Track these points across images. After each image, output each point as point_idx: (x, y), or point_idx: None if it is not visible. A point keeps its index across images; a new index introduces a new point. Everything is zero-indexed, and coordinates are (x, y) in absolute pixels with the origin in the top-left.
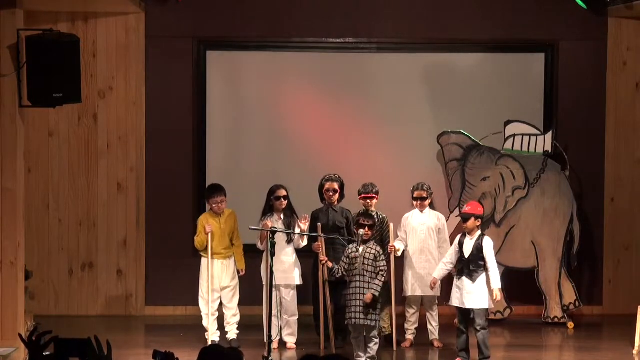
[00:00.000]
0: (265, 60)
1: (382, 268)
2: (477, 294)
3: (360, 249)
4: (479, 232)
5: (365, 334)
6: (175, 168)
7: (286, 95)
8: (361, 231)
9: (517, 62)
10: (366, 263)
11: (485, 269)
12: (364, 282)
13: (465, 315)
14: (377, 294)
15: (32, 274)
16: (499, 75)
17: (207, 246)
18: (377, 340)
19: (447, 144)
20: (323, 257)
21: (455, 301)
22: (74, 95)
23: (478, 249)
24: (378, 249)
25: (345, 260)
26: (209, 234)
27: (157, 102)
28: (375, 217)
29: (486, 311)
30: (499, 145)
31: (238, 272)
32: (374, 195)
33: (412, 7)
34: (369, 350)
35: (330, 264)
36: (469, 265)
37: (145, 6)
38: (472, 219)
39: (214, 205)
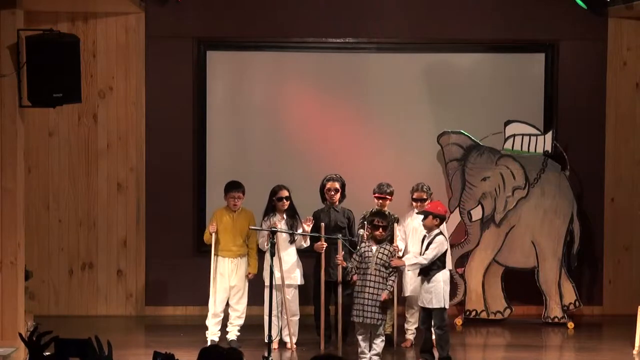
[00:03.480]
0: (266, 60)
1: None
2: (432, 293)
3: (374, 248)
4: (436, 231)
5: (372, 331)
6: (175, 168)
7: (286, 95)
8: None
9: (517, 62)
10: (379, 263)
11: (440, 268)
12: (375, 281)
13: (426, 314)
14: (392, 292)
15: (32, 274)
16: (499, 75)
17: (213, 244)
18: (383, 338)
19: (447, 144)
20: (340, 258)
21: (419, 300)
22: (74, 95)
23: (428, 246)
24: (391, 249)
25: (356, 258)
26: (213, 235)
27: (157, 102)
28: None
29: (443, 310)
30: (499, 145)
31: (247, 275)
32: (387, 197)
33: (412, 7)
34: (374, 347)
35: (345, 264)
36: None
37: (145, 6)
38: (430, 217)
39: (230, 200)
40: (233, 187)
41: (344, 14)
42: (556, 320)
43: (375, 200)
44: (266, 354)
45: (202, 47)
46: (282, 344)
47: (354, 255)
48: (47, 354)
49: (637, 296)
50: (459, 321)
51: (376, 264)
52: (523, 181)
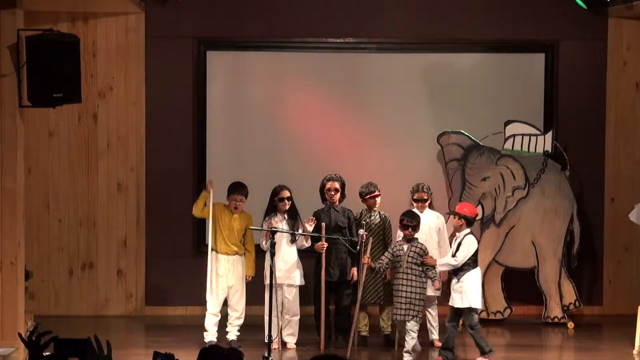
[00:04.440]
0: (265, 60)
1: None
2: (461, 293)
3: (405, 247)
4: (465, 231)
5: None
6: (175, 168)
7: (286, 95)
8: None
9: (517, 62)
10: (410, 261)
11: (470, 267)
12: (408, 279)
13: (453, 313)
14: (439, 282)
15: (32, 274)
16: (499, 75)
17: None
18: (413, 335)
19: (447, 144)
20: (367, 258)
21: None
22: (74, 95)
23: (459, 247)
24: (423, 247)
25: (388, 257)
26: (210, 191)
27: (157, 102)
28: (378, 216)
29: (472, 310)
30: (499, 145)
31: (246, 277)
32: (379, 193)
33: (412, 7)
34: (405, 344)
35: (372, 265)
36: None
37: (145, 6)
38: (456, 217)
39: (231, 203)
40: (236, 190)
41: (344, 14)
42: (556, 320)
43: (368, 202)
44: (266, 354)
45: (202, 47)
46: (282, 343)
47: (386, 254)
48: (47, 354)
49: (637, 296)
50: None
51: (407, 262)
52: (523, 181)
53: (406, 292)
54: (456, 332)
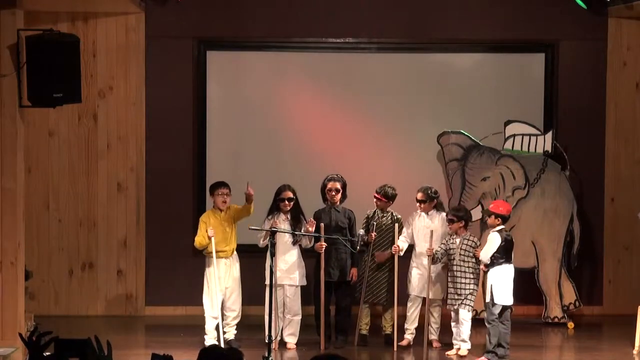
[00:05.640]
0: (265, 60)
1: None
2: (486, 288)
3: (457, 240)
4: (492, 229)
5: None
6: (175, 168)
7: (286, 95)
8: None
9: (517, 62)
10: (463, 254)
11: (497, 263)
12: (461, 271)
13: None
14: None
15: (32, 274)
16: (499, 75)
17: (210, 248)
18: (466, 324)
19: (447, 144)
20: (430, 250)
21: None
22: (74, 95)
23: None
24: (475, 240)
25: (442, 247)
26: (212, 238)
27: (157, 102)
28: (390, 217)
29: (489, 305)
30: (499, 145)
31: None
32: (379, 197)
33: (412, 7)
34: (461, 333)
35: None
36: None
37: (145, 6)
38: (492, 216)
39: (218, 198)
40: (220, 185)
41: (344, 14)
42: (556, 320)
43: (376, 202)
44: (266, 354)
45: (202, 47)
46: (282, 343)
47: (441, 245)
48: (47, 354)
49: (637, 296)
50: None
51: (460, 254)
52: (523, 181)
53: (460, 282)
54: (502, 328)
